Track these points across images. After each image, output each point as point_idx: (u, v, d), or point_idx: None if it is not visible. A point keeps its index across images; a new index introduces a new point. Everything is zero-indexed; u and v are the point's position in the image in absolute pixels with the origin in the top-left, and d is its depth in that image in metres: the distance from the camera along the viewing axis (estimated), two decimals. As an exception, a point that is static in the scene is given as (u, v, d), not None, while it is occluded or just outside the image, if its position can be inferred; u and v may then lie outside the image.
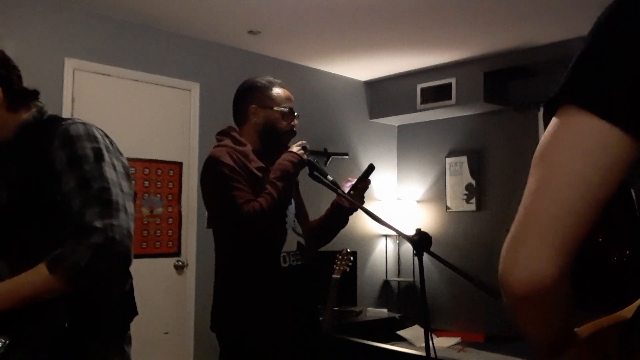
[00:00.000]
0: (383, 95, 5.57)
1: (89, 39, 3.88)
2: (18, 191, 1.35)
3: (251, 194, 1.99)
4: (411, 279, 5.48)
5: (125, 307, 1.48)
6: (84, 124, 1.41)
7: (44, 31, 3.70)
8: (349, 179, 2.25)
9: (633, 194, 0.71)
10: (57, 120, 1.45)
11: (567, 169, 0.64)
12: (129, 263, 1.36)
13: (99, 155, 1.37)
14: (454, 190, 5.32)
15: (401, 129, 5.86)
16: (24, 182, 1.36)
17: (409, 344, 4.35)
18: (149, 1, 3.75)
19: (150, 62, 4.14)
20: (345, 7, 3.80)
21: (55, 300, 1.31)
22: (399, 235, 2.02)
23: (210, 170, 2.04)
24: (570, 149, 0.64)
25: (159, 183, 4.13)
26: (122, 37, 4.03)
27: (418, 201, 5.57)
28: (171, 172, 4.21)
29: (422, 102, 5.23)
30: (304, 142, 2.17)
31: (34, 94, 1.48)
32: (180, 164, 4.26)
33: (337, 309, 3.82)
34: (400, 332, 4.56)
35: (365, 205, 2.07)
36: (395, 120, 5.70)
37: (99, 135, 1.42)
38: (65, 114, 3.67)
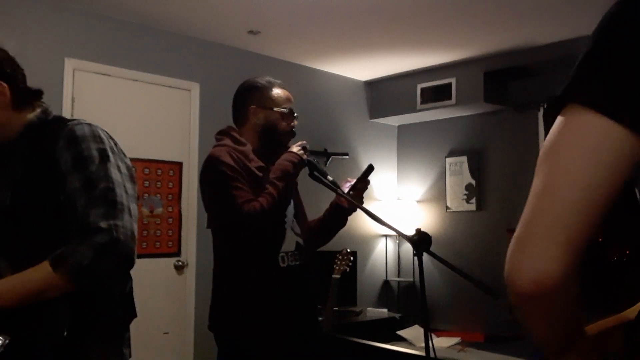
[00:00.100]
0: (383, 95, 5.57)
1: (89, 39, 3.88)
2: (22, 191, 1.36)
3: (251, 194, 1.99)
4: (411, 279, 5.47)
5: (124, 308, 1.48)
6: (89, 124, 1.42)
7: (44, 31, 3.70)
8: (349, 179, 2.25)
9: (638, 193, 0.71)
10: (62, 120, 1.45)
11: (572, 167, 0.64)
12: (132, 264, 1.36)
13: (104, 156, 1.38)
14: (454, 190, 5.32)
15: (401, 129, 5.86)
16: (28, 182, 1.36)
17: (409, 344, 4.35)
18: (149, 1, 3.75)
19: (150, 62, 4.14)
20: (345, 7, 3.80)
21: (56, 301, 1.31)
22: (399, 235, 2.02)
23: (210, 169, 2.04)
24: (576, 147, 0.64)
25: (159, 183, 4.13)
26: (122, 37, 4.03)
27: (418, 201, 5.57)
28: (171, 172, 4.21)
29: (422, 102, 5.23)
30: (304, 142, 2.17)
31: (38, 94, 1.49)
32: (180, 164, 4.26)
33: (337, 309, 3.81)
34: (400, 332, 4.56)
35: (365, 205, 2.07)
36: (395, 120, 5.70)
37: (104, 137, 1.42)
38: (65, 114, 3.66)
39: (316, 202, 2.86)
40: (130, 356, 1.50)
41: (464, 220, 5.22)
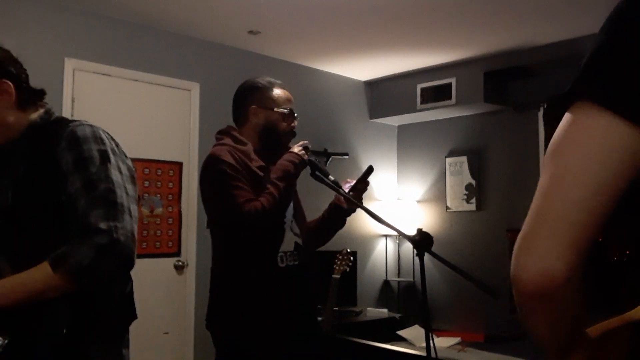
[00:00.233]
0: (383, 95, 5.57)
1: (89, 39, 3.88)
2: (23, 191, 1.36)
3: (252, 193, 1.99)
4: (411, 279, 5.47)
5: (124, 309, 1.48)
6: (91, 126, 1.42)
7: (44, 31, 3.70)
8: (348, 180, 2.25)
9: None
10: (64, 121, 1.46)
11: (578, 166, 0.64)
12: (132, 265, 1.37)
13: (105, 158, 1.38)
14: (454, 190, 5.31)
15: (401, 129, 5.86)
16: (29, 182, 1.36)
17: (409, 344, 4.35)
18: (149, 1, 3.75)
19: (150, 62, 4.14)
20: (345, 7, 3.80)
21: (56, 301, 1.31)
22: (399, 235, 2.02)
23: (211, 168, 2.03)
24: (582, 145, 0.64)
25: (159, 183, 4.13)
26: (122, 37, 4.03)
27: (418, 201, 5.57)
28: (171, 172, 4.21)
29: (422, 102, 5.23)
30: (306, 142, 2.17)
31: (41, 93, 1.49)
32: (180, 164, 4.26)
33: (337, 309, 3.81)
34: (400, 332, 4.56)
35: (365, 205, 2.07)
36: (395, 120, 5.70)
37: (105, 138, 1.42)
38: (65, 114, 3.66)
39: (316, 202, 2.86)
40: (129, 357, 1.50)
41: (464, 220, 5.22)
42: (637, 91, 0.61)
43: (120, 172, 1.41)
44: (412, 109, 5.31)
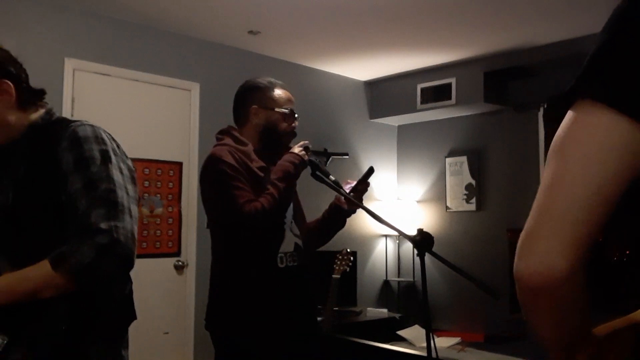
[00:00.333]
0: (383, 95, 5.57)
1: (89, 39, 3.88)
2: (23, 191, 1.36)
3: (252, 194, 1.99)
4: (411, 279, 5.47)
5: (124, 310, 1.48)
6: (92, 126, 1.42)
7: (44, 31, 3.70)
8: (349, 180, 2.25)
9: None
10: (65, 121, 1.46)
11: (580, 163, 0.64)
12: (132, 265, 1.37)
13: (106, 158, 1.38)
14: (454, 190, 5.31)
15: (401, 129, 5.86)
16: (29, 182, 1.36)
17: (409, 344, 4.35)
18: (149, 1, 3.75)
19: (150, 62, 4.14)
20: (345, 7, 3.80)
21: (55, 301, 1.31)
22: (400, 235, 2.02)
23: (211, 168, 2.03)
24: (584, 143, 0.64)
25: (159, 183, 4.13)
26: (122, 37, 4.03)
27: (418, 201, 5.57)
28: (171, 172, 4.21)
29: (422, 102, 5.23)
30: (307, 142, 2.17)
31: (41, 93, 1.49)
32: (180, 164, 4.26)
33: (337, 309, 3.81)
34: (400, 332, 4.56)
35: (365, 206, 2.07)
36: (395, 120, 5.70)
37: (106, 138, 1.42)
38: (65, 114, 3.66)
39: (316, 202, 2.86)
40: (128, 358, 1.50)
41: (464, 220, 5.22)
42: (638, 88, 0.61)
43: (121, 172, 1.41)
44: (412, 109, 5.31)
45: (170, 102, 4.26)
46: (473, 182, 5.19)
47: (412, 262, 5.45)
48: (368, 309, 5.09)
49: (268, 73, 2.48)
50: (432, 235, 1.72)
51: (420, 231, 1.71)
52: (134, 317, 1.51)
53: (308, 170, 2.12)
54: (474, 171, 5.19)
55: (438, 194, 5.44)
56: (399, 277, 5.61)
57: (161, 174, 4.15)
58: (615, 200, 0.64)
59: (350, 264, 2.94)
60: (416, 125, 5.69)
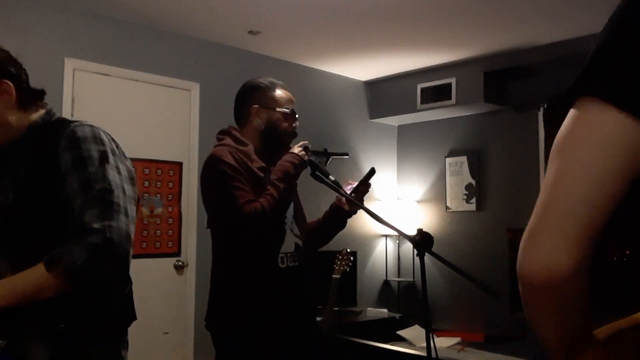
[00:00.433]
0: (383, 95, 5.57)
1: (89, 39, 3.88)
2: (23, 191, 1.36)
3: (252, 194, 1.99)
4: (411, 279, 5.48)
5: (124, 311, 1.48)
6: (91, 126, 1.42)
7: (44, 31, 3.70)
8: (350, 181, 2.25)
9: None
10: (65, 122, 1.46)
11: (584, 160, 0.64)
12: (127, 265, 1.36)
13: (103, 158, 1.38)
14: (454, 190, 5.32)
15: (401, 129, 5.86)
16: (29, 182, 1.36)
17: (409, 344, 4.35)
18: (149, 1, 3.75)
19: (150, 62, 4.14)
20: (345, 7, 3.80)
21: (55, 302, 1.31)
22: (400, 235, 2.02)
23: (212, 169, 2.03)
24: (587, 140, 0.64)
25: (159, 183, 4.13)
26: (122, 37, 4.03)
27: (418, 201, 5.57)
28: (171, 172, 4.21)
29: (422, 102, 5.23)
30: (306, 142, 2.17)
31: (41, 94, 1.49)
32: (180, 164, 4.26)
33: (337, 309, 3.81)
34: (400, 332, 4.56)
35: (366, 205, 2.07)
36: (395, 120, 5.70)
37: (105, 138, 1.42)
38: (65, 114, 3.66)
39: (316, 203, 2.87)
40: (127, 359, 1.49)
41: (464, 220, 5.22)
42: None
43: (119, 172, 1.40)
44: (412, 109, 5.31)
45: (170, 102, 4.26)
46: (473, 182, 5.19)
47: (412, 262, 5.45)
48: (368, 309, 5.09)
49: (268, 73, 2.48)
50: (432, 235, 1.72)
51: (420, 231, 1.71)
52: (134, 318, 1.51)
53: (308, 170, 2.12)
54: (474, 171, 5.19)
55: (438, 194, 5.44)
56: (399, 277, 5.61)
57: (161, 174, 4.15)
58: (619, 198, 0.64)
59: (350, 264, 2.94)
60: (416, 125, 5.69)
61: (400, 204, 5.53)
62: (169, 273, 4.14)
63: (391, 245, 5.65)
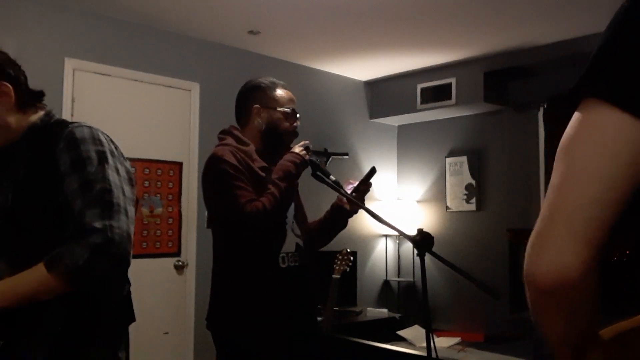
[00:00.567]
0: (383, 95, 5.57)
1: (89, 39, 3.88)
2: (23, 192, 1.36)
3: (254, 194, 1.99)
4: (411, 279, 5.48)
5: (122, 312, 1.47)
6: (89, 127, 1.43)
7: (44, 31, 3.70)
8: (350, 181, 2.25)
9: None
10: (64, 123, 1.46)
11: (590, 162, 0.64)
12: (127, 265, 1.36)
13: (102, 158, 1.38)
14: (454, 190, 5.32)
15: (401, 129, 5.86)
16: (29, 183, 1.36)
17: (409, 344, 4.35)
18: (149, 1, 3.75)
19: (150, 62, 4.14)
20: (345, 7, 3.80)
21: (54, 303, 1.30)
22: (400, 235, 2.02)
23: (213, 168, 2.04)
24: (592, 141, 0.64)
25: (159, 183, 4.13)
26: (122, 37, 4.03)
27: (418, 201, 5.57)
28: (171, 172, 4.21)
29: (422, 102, 5.23)
30: (307, 142, 2.17)
31: (40, 95, 1.49)
32: (180, 164, 4.26)
33: (337, 309, 3.81)
34: (400, 332, 4.56)
35: (366, 205, 2.07)
36: (395, 120, 5.70)
37: (104, 139, 1.42)
38: (65, 114, 3.67)
39: (317, 202, 2.87)
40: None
41: (464, 220, 5.22)
42: None
43: (118, 173, 1.40)
44: (412, 109, 5.31)
45: (170, 102, 4.26)
46: (473, 182, 5.19)
47: (412, 262, 5.45)
48: (368, 309, 5.09)
49: (268, 73, 2.48)
50: (432, 235, 1.72)
51: (420, 231, 1.71)
52: (133, 319, 1.50)
53: (309, 170, 2.12)
54: (474, 171, 5.19)
55: (438, 194, 5.44)
56: (399, 277, 5.61)
57: (161, 174, 4.15)
58: (626, 199, 0.64)
59: (350, 264, 2.94)
60: (416, 125, 5.69)
61: (400, 204, 5.53)
62: (169, 273, 4.14)
63: (391, 245, 5.65)
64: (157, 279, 4.03)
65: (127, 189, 1.41)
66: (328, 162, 2.33)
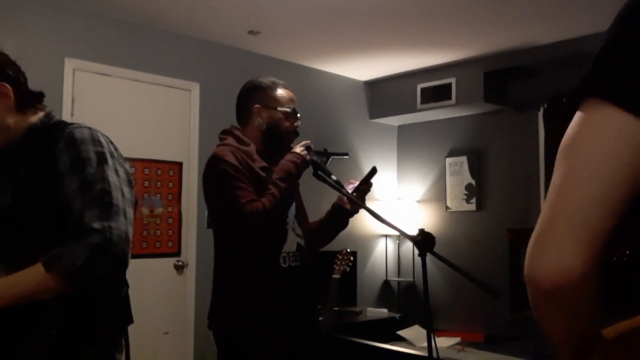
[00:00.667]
0: (383, 95, 5.57)
1: (89, 39, 3.88)
2: (22, 192, 1.36)
3: (254, 194, 1.99)
4: (411, 279, 5.48)
5: (120, 314, 1.47)
6: (89, 128, 1.43)
7: (44, 31, 3.70)
8: (351, 180, 2.25)
9: None
10: (63, 124, 1.46)
11: (592, 162, 0.64)
12: (125, 266, 1.36)
13: (102, 159, 1.38)
14: (454, 190, 5.32)
15: (401, 129, 5.86)
16: (28, 183, 1.37)
17: (409, 344, 4.35)
18: (149, 1, 3.75)
19: (150, 62, 4.14)
20: (345, 7, 3.80)
21: (53, 304, 1.30)
22: (400, 235, 2.02)
23: (214, 168, 2.04)
24: (594, 141, 0.64)
25: (159, 183, 4.13)
26: (122, 37, 4.03)
27: (418, 201, 5.57)
28: (171, 172, 4.21)
29: (422, 102, 5.23)
30: (308, 142, 2.17)
31: (40, 96, 1.49)
32: (180, 164, 4.26)
33: (337, 309, 3.82)
34: (400, 332, 4.56)
35: (366, 206, 2.07)
36: (395, 120, 5.70)
37: (103, 140, 1.43)
38: (65, 114, 3.67)
39: (318, 202, 2.87)
40: None
41: (464, 220, 5.22)
42: None
43: (118, 174, 1.41)
44: (412, 109, 5.31)
45: (170, 102, 4.26)
46: (473, 182, 5.19)
47: (412, 262, 5.45)
48: (368, 309, 5.09)
49: (268, 73, 2.48)
50: (433, 235, 1.72)
51: (421, 231, 1.71)
52: (131, 321, 1.50)
53: (310, 170, 2.12)
54: (474, 171, 5.19)
55: (438, 194, 5.44)
56: (399, 277, 5.61)
57: (161, 174, 4.15)
58: (628, 199, 0.63)
59: (350, 264, 2.94)
60: (416, 125, 5.69)
61: (400, 204, 5.53)
62: (169, 273, 4.14)
63: (391, 245, 5.65)
64: (157, 279, 4.03)
65: (126, 190, 1.41)
66: (328, 162, 2.33)
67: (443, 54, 4.81)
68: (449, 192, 5.35)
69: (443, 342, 4.46)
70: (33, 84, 1.50)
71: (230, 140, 2.12)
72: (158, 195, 4.12)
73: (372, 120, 5.65)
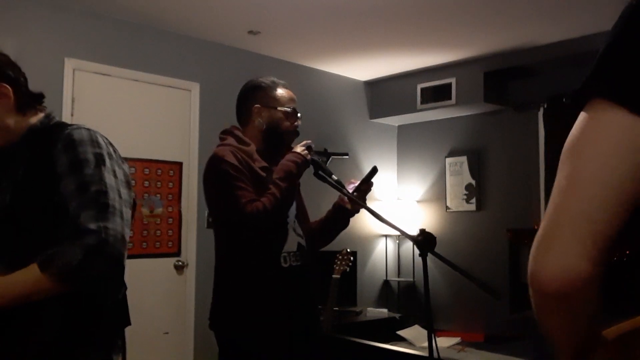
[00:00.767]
0: (383, 95, 5.57)
1: (89, 39, 3.88)
2: (21, 193, 1.36)
3: (254, 194, 1.99)
4: (411, 279, 5.47)
5: (117, 315, 1.47)
6: (88, 129, 1.43)
7: (44, 31, 3.69)
8: (352, 180, 2.25)
9: None
10: (63, 125, 1.47)
11: (597, 162, 0.63)
12: (121, 267, 1.36)
13: (100, 161, 1.38)
14: (454, 190, 5.32)
15: (401, 129, 5.86)
16: (27, 183, 1.37)
17: (409, 344, 4.35)
18: (149, 1, 3.75)
19: (150, 62, 4.14)
20: (345, 7, 3.80)
21: (51, 305, 1.30)
22: (400, 235, 2.02)
23: (214, 168, 2.04)
24: (599, 142, 0.63)
25: (159, 183, 4.13)
26: (122, 37, 4.03)
27: (418, 201, 5.57)
28: (171, 172, 4.21)
29: (422, 102, 5.23)
30: (309, 141, 2.17)
31: (40, 97, 1.50)
32: (180, 164, 4.26)
33: (337, 309, 3.82)
34: (400, 332, 4.56)
35: (368, 206, 2.07)
36: (395, 120, 5.70)
37: (102, 142, 1.43)
38: (65, 114, 3.67)
39: (319, 202, 2.87)
40: None
41: (464, 220, 5.22)
42: None
43: (115, 176, 1.41)
44: (412, 109, 5.31)
45: (170, 102, 4.26)
46: (473, 182, 5.19)
47: (412, 262, 5.45)
48: (368, 309, 5.09)
49: (268, 73, 2.48)
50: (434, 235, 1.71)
51: (422, 231, 1.71)
52: (128, 323, 1.49)
53: (310, 170, 2.12)
54: (474, 171, 5.19)
55: (438, 194, 5.44)
56: (399, 277, 5.61)
57: (161, 174, 4.15)
58: (633, 200, 0.63)
59: (350, 264, 2.94)
60: (416, 125, 5.69)
61: (400, 204, 5.53)
62: (169, 273, 4.14)
63: (391, 245, 5.65)
64: (157, 279, 4.03)
65: (123, 191, 1.41)
66: (328, 162, 2.32)
67: (443, 54, 4.81)
68: (449, 192, 5.35)
69: (443, 342, 4.46)
70: (33, 84, 1.50)
71: (230, 140, 2.12)
72: (158, 195, 4.12)
73: (372, 120, 5.65)
